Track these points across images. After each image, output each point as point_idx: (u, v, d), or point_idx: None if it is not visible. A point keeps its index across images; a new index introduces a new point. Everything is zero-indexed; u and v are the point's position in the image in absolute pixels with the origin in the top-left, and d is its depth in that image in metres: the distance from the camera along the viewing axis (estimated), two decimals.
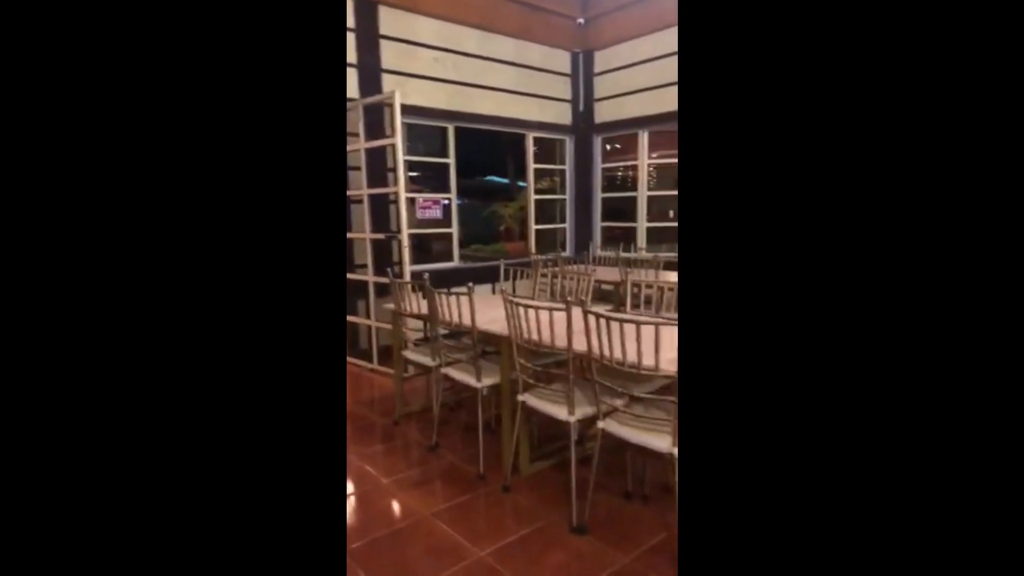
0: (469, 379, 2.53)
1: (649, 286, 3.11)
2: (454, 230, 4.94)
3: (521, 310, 2.15)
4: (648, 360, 1.75)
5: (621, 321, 1.77)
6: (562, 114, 5.56)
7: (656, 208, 5.52)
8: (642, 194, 5.41)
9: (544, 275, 3.80)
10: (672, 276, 3.79)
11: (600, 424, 1.95)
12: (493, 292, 4.86)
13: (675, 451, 1.73)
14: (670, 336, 1.71)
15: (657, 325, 1.72)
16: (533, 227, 5.59)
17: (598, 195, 5.75)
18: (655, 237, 5.48)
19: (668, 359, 1.74)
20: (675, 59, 4.76)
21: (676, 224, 5.39)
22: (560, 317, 2.05)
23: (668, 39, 4.82)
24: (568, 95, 5.59)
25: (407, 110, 4.23)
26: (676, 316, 1.66)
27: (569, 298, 1.95)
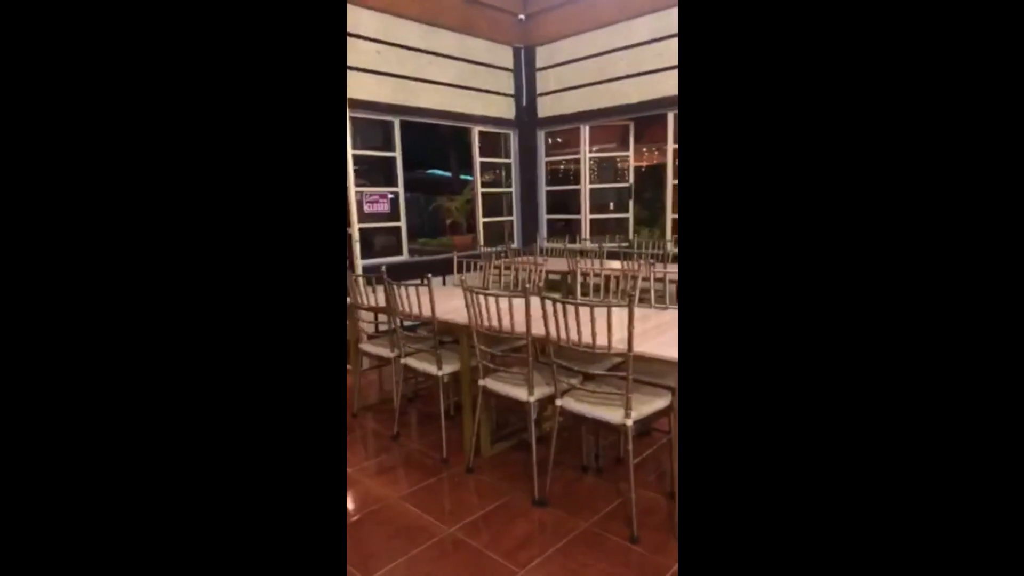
0: (430, 368, 2.61)
1: (597, 275, 3.30)
2: (403, 224, 4.95)
3: (481, 299, 2.25)
4: (601, 340, 1.91)
5: (577, 305, 1.92)
6: (506, 108, 5.67)
7: (597, 200, 5.74)
8: (585, 187, 5.62)
9: (496, 267, 3.91)
10: (615, 264, 4.00)
11: (559, 402, 2.09)
12: (444, 284, 4.92)
13: (627, 422, 1.89)
14: (620, 318, 1.87)
15: (609, 307, 1.87)
16: (481, 220, 5.68)
17: (543, 188, 5.91)
18: (596, 229, 5.70)
19: (618, 338, 1.90)
20: (612, 56, 4.98)
21: (616, 216, 5.64)
22: (519, 304, 2.17)
23: (606, 36, 5.03)
24: (511, 90, 5.70)
25: (351, 104, 4.20)
26: (625, 300, 1.82)
27: (528, 286, 2.07)
